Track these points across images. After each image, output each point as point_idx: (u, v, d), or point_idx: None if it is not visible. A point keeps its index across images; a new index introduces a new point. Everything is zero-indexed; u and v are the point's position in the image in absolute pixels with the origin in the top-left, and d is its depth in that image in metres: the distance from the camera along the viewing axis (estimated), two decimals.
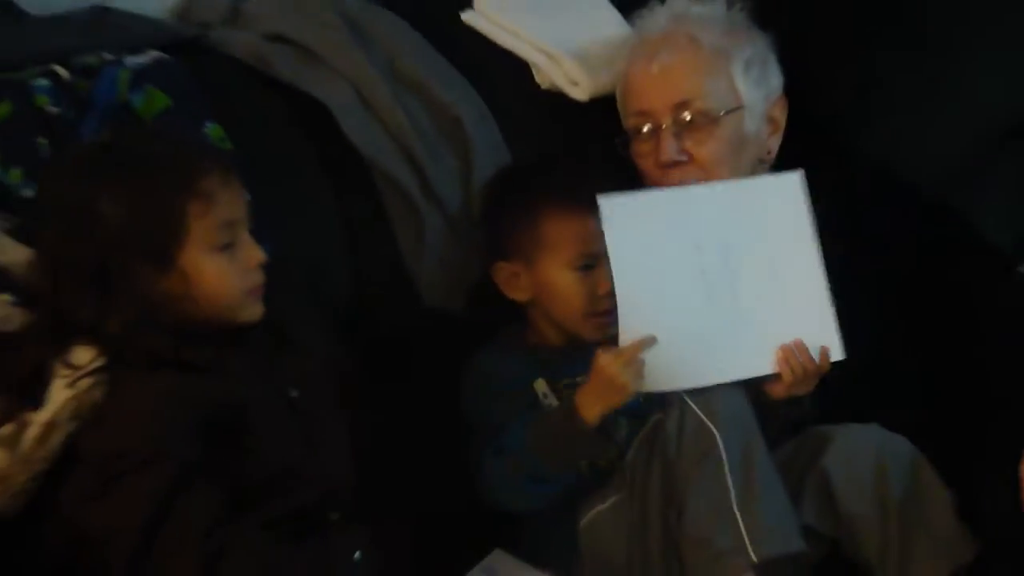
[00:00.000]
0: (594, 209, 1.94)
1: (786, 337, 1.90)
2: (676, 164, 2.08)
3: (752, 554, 1.79)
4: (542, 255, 2.02)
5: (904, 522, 1.89)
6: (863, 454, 1.93)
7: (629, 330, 1.88)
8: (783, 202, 1.95)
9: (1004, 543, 1.85)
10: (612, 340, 1.92)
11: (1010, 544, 1.84)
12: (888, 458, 1.92)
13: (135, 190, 1.72)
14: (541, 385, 2.02)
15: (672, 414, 1.85)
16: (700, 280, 1.94)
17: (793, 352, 1.90)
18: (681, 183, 2.06)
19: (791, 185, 1.93)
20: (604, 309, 1.99)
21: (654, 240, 1.93)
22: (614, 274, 1.91)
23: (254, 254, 1.81)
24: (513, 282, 2.05)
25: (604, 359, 1.84)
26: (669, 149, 2.08)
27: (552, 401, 2.01)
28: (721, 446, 1.84)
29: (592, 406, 1.86)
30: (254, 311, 1.82)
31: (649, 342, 1.87)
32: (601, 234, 1.93)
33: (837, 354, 1.91)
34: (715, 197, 1.98)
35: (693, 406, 1.85)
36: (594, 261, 1.98)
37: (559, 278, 2.01)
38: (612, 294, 1.92)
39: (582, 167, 2.12)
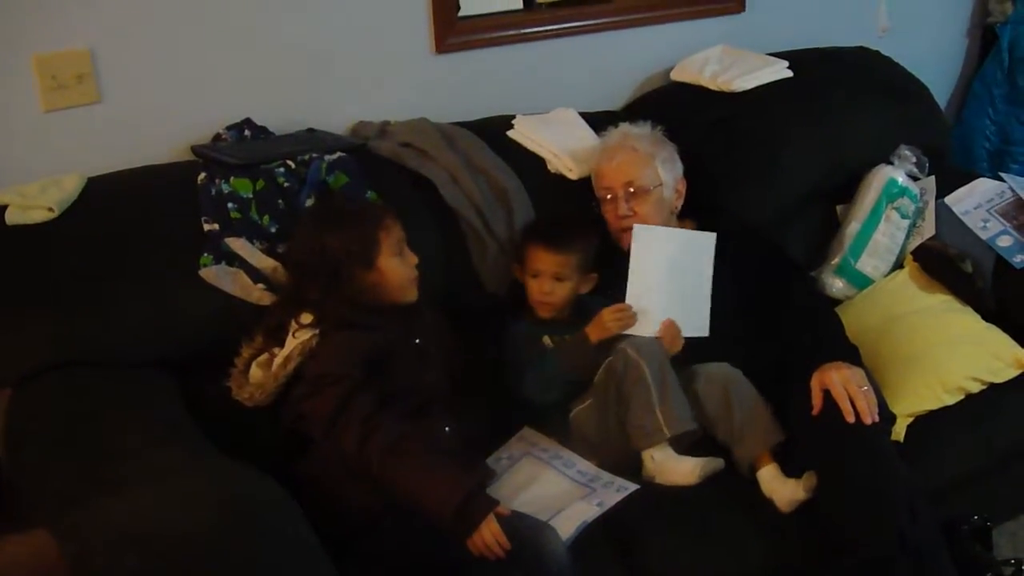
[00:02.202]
0: (549, 247, 2.68)
1: (702, 314, 2.62)
2: (626, 217, 2.77)
3: (666, 432, 2.47)
4: (524, 266, 2.75)
5: (741, 418, 2.52)
6: (716, 381, 2.59)
7: (630, 297, 2.60)
8: (706, 244, 2.66)
9: (798, 431, 2.49)
10: (611, 301, 2.63)
11: (801, 432, 2.48)
12: (731, 382, 2.58)
13: (353, 228, 2.43)
14: (547, 338, 2.72)
15: (619, 356, 2.54)
16: (670, 276, 2.63)
17: (670, 328, 2.61)
18: (630, 229, 2.69)
19: (711, 239, 2.67)
20: (538, 300, 2.71)
21: (656, 251, 2.63)
22: (631, 265, 2.60)
23: (413, 259, 2.49)
24: (519, 273, 2.77)
25: (605, 312, 2.58)
26: (622, 208, 2.78)
27: (551, 345, 2.69)
28: (646, 372, 2.51)
29: (594, 334, 2.59)
30: (413, 294, 2.49)
31: (628, 307, 2.57)
32: (545, 261, 2.69)
33: (705, 332, 2.65)
34: (686, 236, 2.70)
35: (629, 351, 2.53)
36: (537, 273, 2.70)
37: (531, 286, 2.75)
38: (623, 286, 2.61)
39: (554, 226, 2.75)
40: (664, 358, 2.57)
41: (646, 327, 2.62)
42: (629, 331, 2.60)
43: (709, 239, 2.67)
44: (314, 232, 2.46)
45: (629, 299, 2.61)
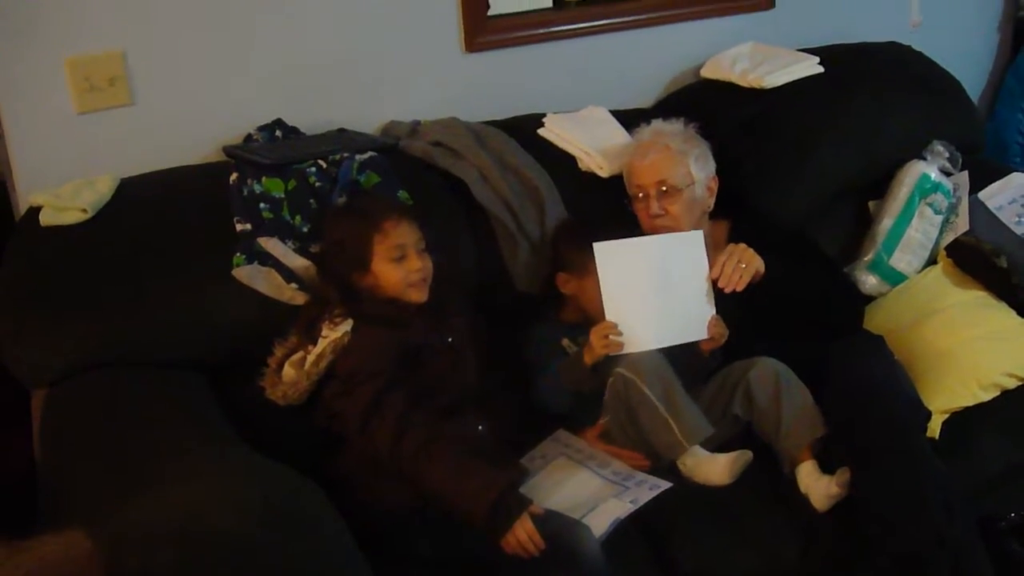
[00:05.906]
0: None
1: (702, 315, 2.58)
2: (658, 216, 2.76)
3: (685, 444, 2.47)
4: (588, 278, 2.63)
5: (790, 412, 2.52)
6: (769, 372, 2.58)
7: (611, 316, 2.55)
8: (693, 244, 2.59)
9: (833, 426, 2.49)
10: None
11: (836, 427, 2.48)
12: (780, 375, 2.57)
13: (348, 233, 2.45)
14: (566, 341, 2.73)
15: (617, 379, 2.55)
16: (652, 286, 2.56)
17: (716, 322, 2.59)
18: (662, 227, 2.72)
19: (698, 236, 2.60)
20: None
21: (625, 265, 2.55)
22: (601, 285, 2.52)
23: (414, 264, 2.44)
24: (566, 284, 2.74)
25: (593, 336, 2.56)
26: (654, 207, 2.76)
27: (573, 347, 2.71)
28: (646, 390, 2.50)
29: (587, 357, 2.57)
30: (418, 296, 2.46)
31: (613, 327, 2.53)
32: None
33: (704, 335, 2.58)
34: (659, 241, 2.62)
35: (625, 373, 2.53)
36: None
37: (594, 292, 2.61)
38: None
39: (611, 230, 2.64)
40: (665, 370, 2.54)
41: (642, 341, 2.58)
42: (625, 350, 2.57)
43: (695, 237, 2.61)
44: (324, 233, 2.52)
45: (611, 318, 2.56)
